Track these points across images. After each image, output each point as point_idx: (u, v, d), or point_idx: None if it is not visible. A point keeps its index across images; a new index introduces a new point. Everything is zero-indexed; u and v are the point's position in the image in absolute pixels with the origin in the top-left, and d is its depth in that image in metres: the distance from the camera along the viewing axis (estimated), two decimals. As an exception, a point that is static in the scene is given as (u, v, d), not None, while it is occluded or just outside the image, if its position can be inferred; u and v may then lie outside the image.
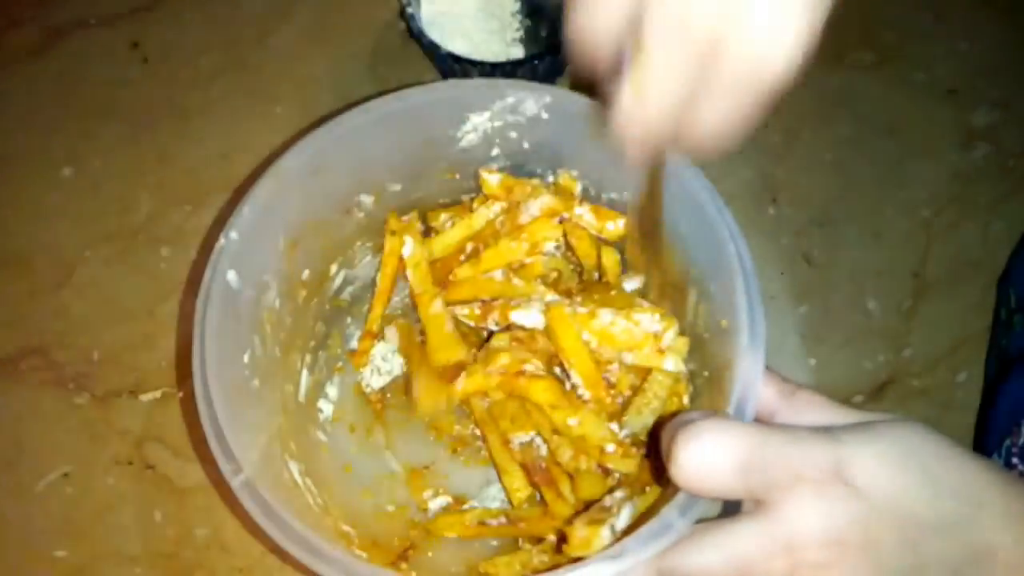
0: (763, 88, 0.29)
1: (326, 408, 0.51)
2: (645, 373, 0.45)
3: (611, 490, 0.43)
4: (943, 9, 0.66)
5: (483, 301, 0.48)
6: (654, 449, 0.41)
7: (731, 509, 0.34)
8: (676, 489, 0.34)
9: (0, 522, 0.53)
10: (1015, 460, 0.45)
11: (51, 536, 0.52)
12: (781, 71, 0.28)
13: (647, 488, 0.42)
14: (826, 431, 0.33)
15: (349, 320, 0.53)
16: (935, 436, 0.33)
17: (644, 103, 0.30)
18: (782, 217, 0.60)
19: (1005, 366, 0.52)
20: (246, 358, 0.43)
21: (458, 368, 0.47)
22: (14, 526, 0.53)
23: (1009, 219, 0.60)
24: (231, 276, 0.41)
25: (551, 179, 0.50)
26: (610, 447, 0.43)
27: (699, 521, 0.34)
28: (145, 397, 0.55)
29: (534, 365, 0.45)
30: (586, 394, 0.44)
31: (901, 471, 0.32)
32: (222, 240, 0.41)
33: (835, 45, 0.65)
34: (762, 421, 0.37)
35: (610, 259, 0.50)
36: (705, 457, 0.32)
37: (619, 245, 0.50)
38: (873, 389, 0.56)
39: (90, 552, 0.52)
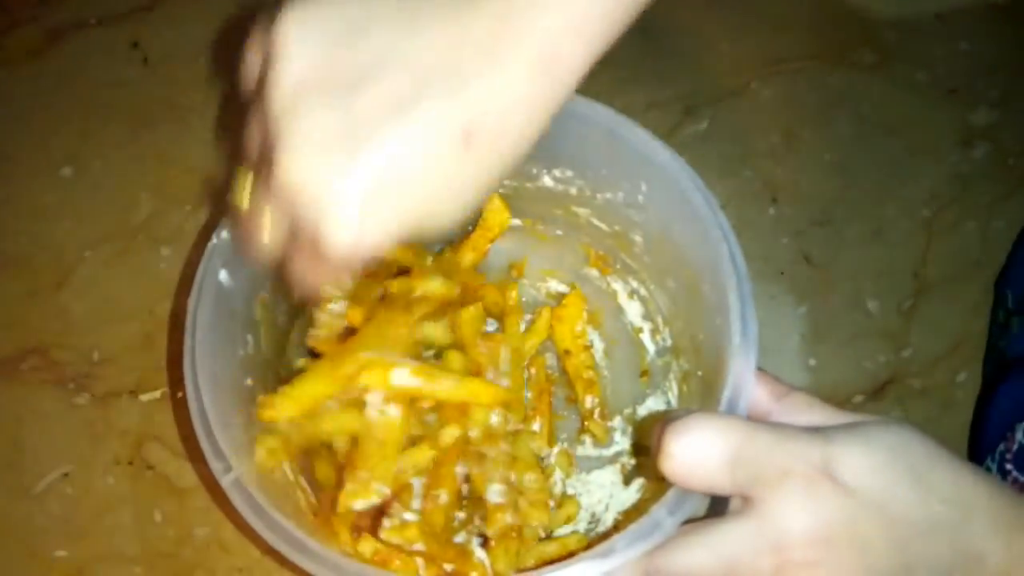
0: (330, 257, 0.31)
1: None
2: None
3: None
4: (943, 9, 0.66)
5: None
6: (644, 445, 0.41)
7: (718, 508, 0.34)
8: (666, 487, 0.34)
9: (0, 522, 0.53)
10: (1009, 466, 0.45)
11: (51, 536, 0.52)
12: (340, 252, 0.30)
13: None
14: (816, 430, 0.33)
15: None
16: (926, 439, 0.33)
17: (255, 231, 0.33)
18: (782, 217, 0.60)
19: (1001, 369, 0.52)
20: (239, 357, 0.43)
21: None
22: (14, 526, 0.53)
23: (1009, 219, 0.60)
24: (223, 275, 0.41)
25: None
26: None
27: (688, 521, 0.34)
28: (145, 397, 0.55)
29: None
30: None
31: (890, 472, 0.32)
32: (214, 239, 0.41)
33: (835, 45, 0.66)
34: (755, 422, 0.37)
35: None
36: (694, 449, 0.32)
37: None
38: (873, 389, 0.56)
39: (90, 552, 0.52)
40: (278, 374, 0.47)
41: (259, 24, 0.32)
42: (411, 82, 0.29)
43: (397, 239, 0.31)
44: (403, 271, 0.46)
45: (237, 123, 0.35)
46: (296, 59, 0.30)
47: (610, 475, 0.50)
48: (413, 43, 0.29)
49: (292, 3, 0.30)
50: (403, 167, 0.29)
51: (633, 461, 0.50)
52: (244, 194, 0.34)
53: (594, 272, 0.54)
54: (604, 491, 0.50)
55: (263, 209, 0.32)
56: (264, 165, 0.31)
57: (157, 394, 0.55)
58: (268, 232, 0.33)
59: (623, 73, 0.63)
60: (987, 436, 0.49)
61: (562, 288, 0.54)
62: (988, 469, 0.47)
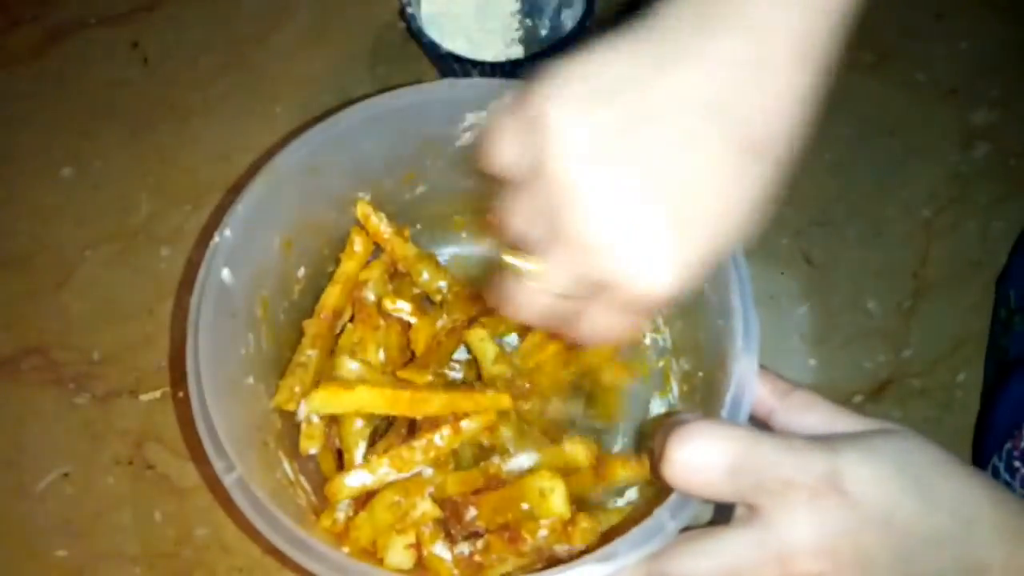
0: (640, 306, 0.32)
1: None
2: None
3: None
4: (943, 9, 0.66)
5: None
6: (646, 449, 0.41)
7: (723, 514, 0.34)
8: (670, 490, 0.34)
9: (0, 522, 0.53)
10: (1017, 463, 0.45)
11: (51, 536, 0.52)
12: (655, 298, 0.31)
13: None
14: (821, 440, 0.33)
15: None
16: (930, 447, 0.33)
17: (537, 291, 0.34)
18: (782, 217, 0.60)
19: (1005, 368, 0.52)
20: (241, 356, 0.43)
21: None
22: (14, 526, 0.53)
23: (1009, 219, 0.60)
24: (225, 274, 0.41)
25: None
26: None
27: (692, 527, 0.34)
28: (145, 397, 0.55)
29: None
30: None
31: (895, 483, 0.32)
32: (216, 238, 0.41)
33: (835, 45, 0.65)
34: (758, 421, 0.37)
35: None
36: (697, 457, 0.32)
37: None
38: (873, 389, 0.56)
39: (90, 552, 0.52)
40: (280, 374, 0.47)
41: (504, 113, 0.32)
42: (686, 116, 0.30)
43: (706, 266, 0.31)
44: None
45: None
46: (573, 131, 0.30)
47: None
48: (677, 82, 0.30)
49: (543, 84, 0.31)
50: (700, 201, 0.30)
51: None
52: (522, 264, 0.34)
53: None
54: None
55: (554, 284, 0.33)
56: (555, 241, 0.32)
57: (157, 394, 0.55)
58: (550, 299, 0.34)
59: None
60: (993, 434, 0.48)
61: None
62: (996, 467, 0.46)
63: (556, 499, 0.40)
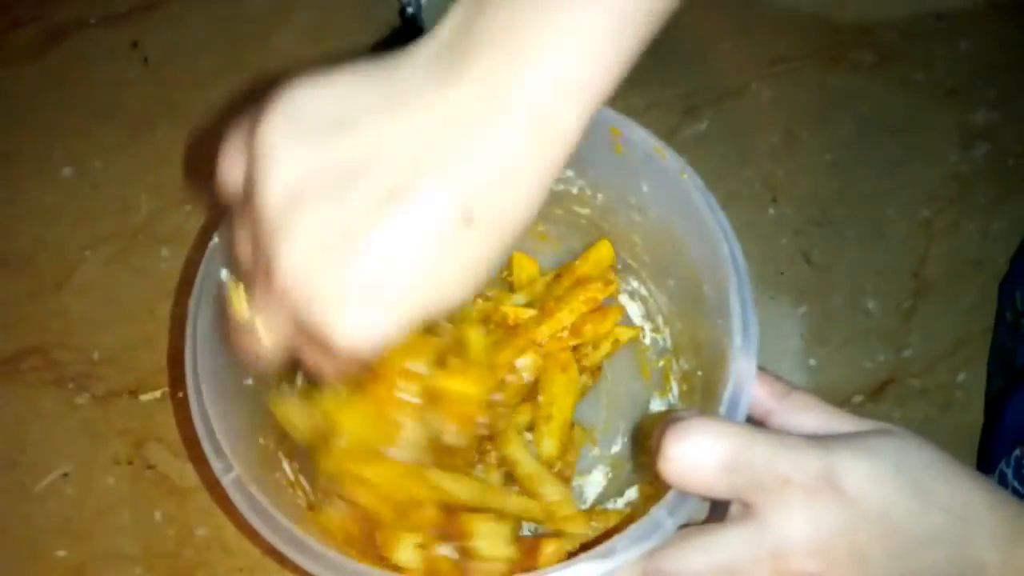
0: (339, 354, 0.30)
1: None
2: None
3: None
4: (943, 9, 0.66)
5: None
6: (643, 446, 0.41)
7: (717, 512, 0.34)
8: (666, 488, 0.34)
9: (0, 522, 0.53)
10: None
11: (51, 536, 0.52)
12: (349, 349, 0.30)
13: None
14: (818, 439, 0.33)
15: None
16: (928, 448, 0.33)
17: (255, 338, 0.33)
18: (782, 217, 0.60)
19: (1014, 372, 0.52)
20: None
21: None
22: (14, 526, 0.53)
23: (1009, 219, 0.60)
24: (224, 274, 0.41)
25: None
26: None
27: (688, 524, 0.34)
28: (145, 397, 0.55)
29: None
30: None
31: (892, 483, 0.32)
32: (215, 238, 0.41)
33: (835, 45, 0.66)
34: (756, 422, 0.37)
35: None
36: (693, 453, 0.32)
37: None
38: (873, 389, 0.56)
39: (90, 552, 0.52)
40: (279, 375, 0.47)
41: (233, 129, 0.31)
42: (401, 170, 0.28)
43: (406, 328, 0.30)
44: None
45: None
46: (283, 163, 0.28)
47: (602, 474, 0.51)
48: (401, 129, 0.28)
49: (270, 106, 0.29)
50: (402, 259, 0.29)
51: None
52: (241, 304, 0.34)
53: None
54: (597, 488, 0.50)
55: (262, 317, 0.32)
56: (260, 272, 0.31)
57: (157, 394, 0.55)
58: (270, 338, 0.32)
59: (623, 73, 0.63)
60: (1001, 440, 0.48)
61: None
62: (1003, 473, 0.46)
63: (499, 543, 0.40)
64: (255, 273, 0.32)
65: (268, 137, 0.29)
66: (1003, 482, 0.46)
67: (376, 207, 0.28)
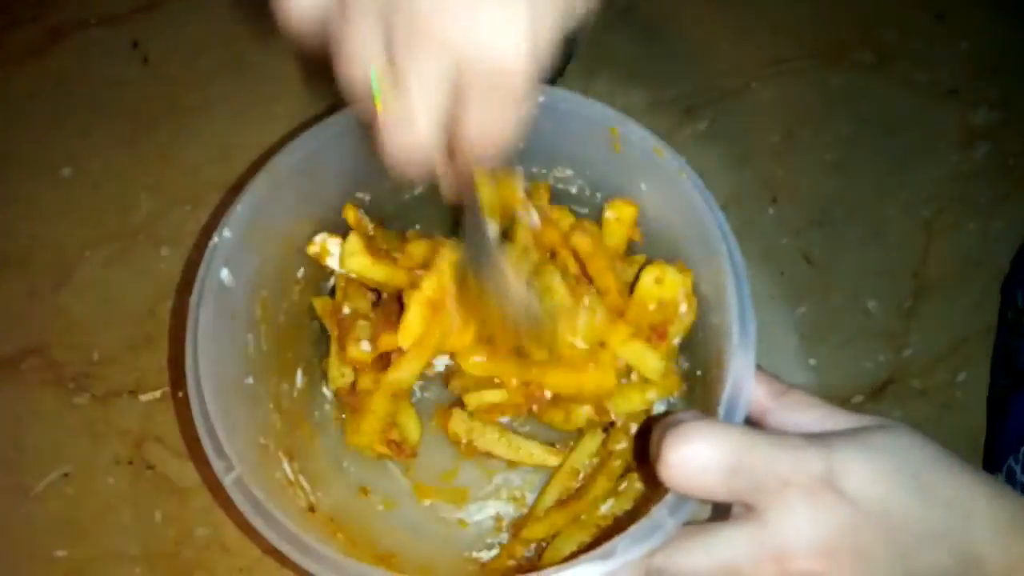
0: (509, 88, 0.30)
1: (321, 406, 0.51)
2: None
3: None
4: (943, 9, 0.66)
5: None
6: (644, 450, 0.41)
7: (720, 511, 0.34)
8: (666, 490, 0.34)
9: (0, 522, 0.53)
10: None
11: (51, 536, 0.52)
12: (516, 69, 0.30)
13: None
14: (817, 438, 0.33)
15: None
16: (928, 444, 0.33)
17: (409, 124, 0.31)
18: (782, 217, 0.60)
19: (1016, 372, 0.52)
20: (240, 356, 0.43)
21: None
22: (14, 526, 0.53)
23: (1009, 219, 0.60)
24: (224, 274, 0.41)
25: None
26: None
27: (690, 523, 0.34)
28: (145, 397, 0.55)
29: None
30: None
31: (892, 480, 0.32)
32: (215, 238, 0.41)
33: (835, 45, 0.66)
34: (754, 421, 0.37)
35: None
36: (692, 457, 0.32)
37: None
38: (873, 389, 0.56)
39: (90, 552, 0.52)
40: (279, 375, 0.47)
41: None
42: None
43: (553, 37, 0.30)
44: None
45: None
46: None
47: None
48: None
49: None
50: None
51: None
52: (386, 91, 0.32)
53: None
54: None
55: (417, 85, 0.31)
56: (400, 51, 0.30)
57: (157, 394, 0.55)
58: (429, 115, 0.31)
59: (623, 73, 0.63)
60: (1008, 437, 0.48)
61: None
62: (1012, 469, 0.47)
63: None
64: (395, 55, 0.31)
65: None
66: (1010, 478, 0.46)
67: None
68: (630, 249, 0.49)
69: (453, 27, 0.29)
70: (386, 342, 0.45)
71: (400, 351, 0.45)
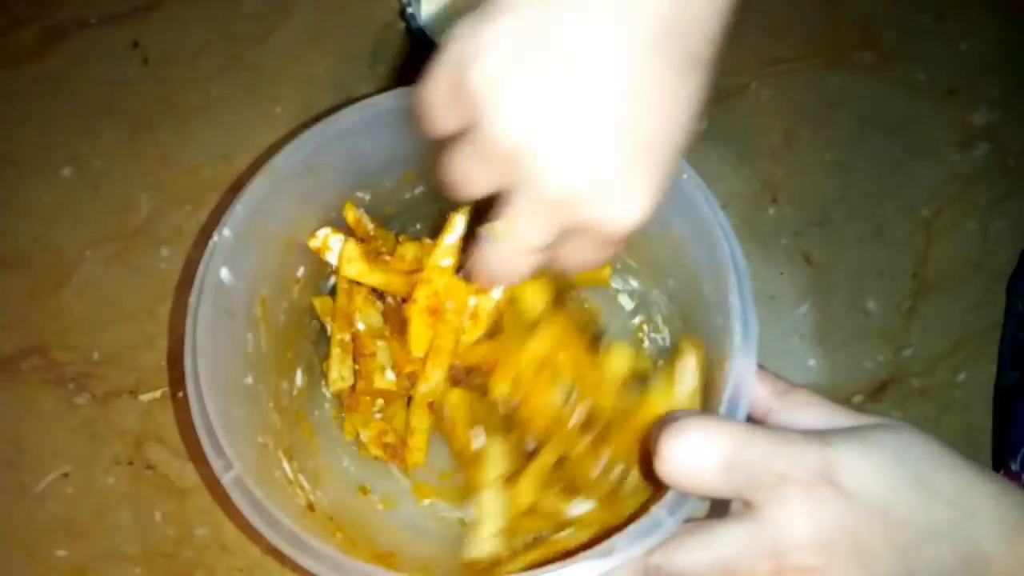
0: (618, 239, 0.33)
1: (320, 405, 0.51)
2: None
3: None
4: (943, 9, 0.66)
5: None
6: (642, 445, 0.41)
7: (719, 509, 0.34)
8: (665, 488, 0.34)
9: (0, 522, 0.53)
10: None
11: (51, 536, 0.52)
12: (633, 227, 0.32)
13: None
14: (815, 434, 0.33)
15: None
16: (929, 442, 0.33)
17: (509, 248, 0.34)
18: (782, 217, 0.60)
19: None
20: (239, 355, 0.43)
21: None
22: (14, 526, 0.53)
23: (1009, 219, 0.60)
24: (224, 273, 0.41)
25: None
26: None
27: (688, 520, 0.34)
28: (145, 397, 0.55)
29: None
30: None
31: (891, 475, 0.32)
32: (215, 238, 0.41)
33: (835, 45, 0.66)
34: (756, 421, 0.37)
35: None
36: (690, 453, 0.32)
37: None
38: (873, 389, 0.56)
39: (90, 552, 0.52)
40: (279, 374, 0.47)
41: (431, 81, 0.33)
42: (598, 30, 0.29)
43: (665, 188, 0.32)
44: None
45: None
46: (510, 96, 0.30)
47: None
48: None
49: (462, 25, 0.31)
50: (648, 123, 0.30)
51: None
52: (502, 234, 0.34)
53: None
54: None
55: (530, 233, 0.33)
56: (515, 198, 0.32)
57: (157, 394, 0.55)
58: (532, 256, 0.34)
59: (623, 73, 0.63)
60: (1012, 437, 0.48)
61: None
62: (1014, 471, 0.46)
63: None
64: (509, 198, 0.32)
65: (485, 77, 0.30)
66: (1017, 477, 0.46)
67: (603, 74, 0.29)
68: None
69: (580, 199, 0.30)
70: (408, 364, 0.46)
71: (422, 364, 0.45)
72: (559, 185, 0.30)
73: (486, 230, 0.34)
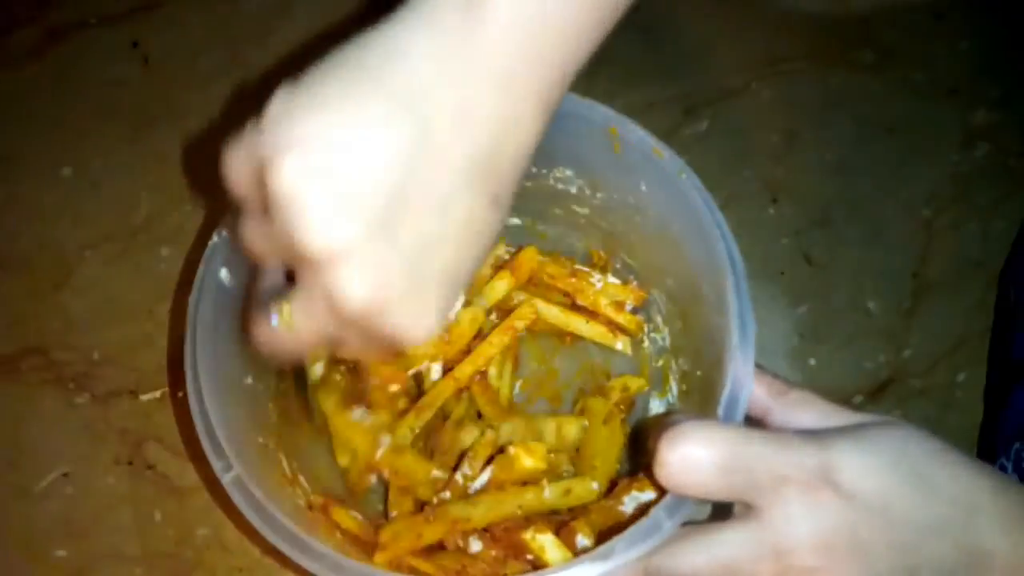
0: (399, 349, 0.33)
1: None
2: None
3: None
4: (943, 9, 0.66)
5: None
6: (641, 448, 0.41)
7: (721, 513, 0.34)
8: (664, 490, 0.34)
9: (0, 522, 0.53)
10: None
11: (51, 536, 0.52)
12: (416, 343, 0.32)
13: None
14: (814, 434, 0.33)
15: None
16: (929, 439, 0.33)
17: (290, 335, 0.34)
18: (782, 217, 0.60)
19: (1011, 365, 0.51)
20: (239, 355, 0.43)
21: None
22: (14, 526, 0.53)
23: (1009, 219, 0.60)
24: (223, 273, 0.41)
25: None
26: None
27: (689, 523, 0.34)
28: (145, 397, 0.55)
29: None
30: None
31: (891, 474, 0.32)
32: (215, 238, 0.41)
33: (835, 45, 0.66)
34: (755, 420, 0.37)
35: None
36: (688, 457, 0.32)
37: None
38: (873, 389, 0.56)
39: (90, 552, 0.52)
40: (278, 372, 0.47)
41: (235, 142, 0.32)
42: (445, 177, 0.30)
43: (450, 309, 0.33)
44: None
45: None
46: (312, 204, 0.29)
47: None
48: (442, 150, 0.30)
49: (271, 127, 0.30)
50: (445, 254, 0.31)
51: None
52: (288, 320, 0.34)
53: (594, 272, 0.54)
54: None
55: (306, 323, 0.33)
56: (312, 292, 0.32)
57: (157, 394, 0.55)
58: (306, 337, 0.34)
59: (623, 73, 0.63)
60: (1002, 434, 0.48)
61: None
62: (1003, 468, 0.46)
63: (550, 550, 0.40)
64: (308, 294, 0.32)
65: (288, 177, 0.29)
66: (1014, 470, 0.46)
67: (423, 211, 0.30)
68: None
69: (360, 310, 0.30)
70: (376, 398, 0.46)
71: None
72: (353, 299, 0.30)
73: (274, 307, 0.34)
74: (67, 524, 0.52)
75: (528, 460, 0.43)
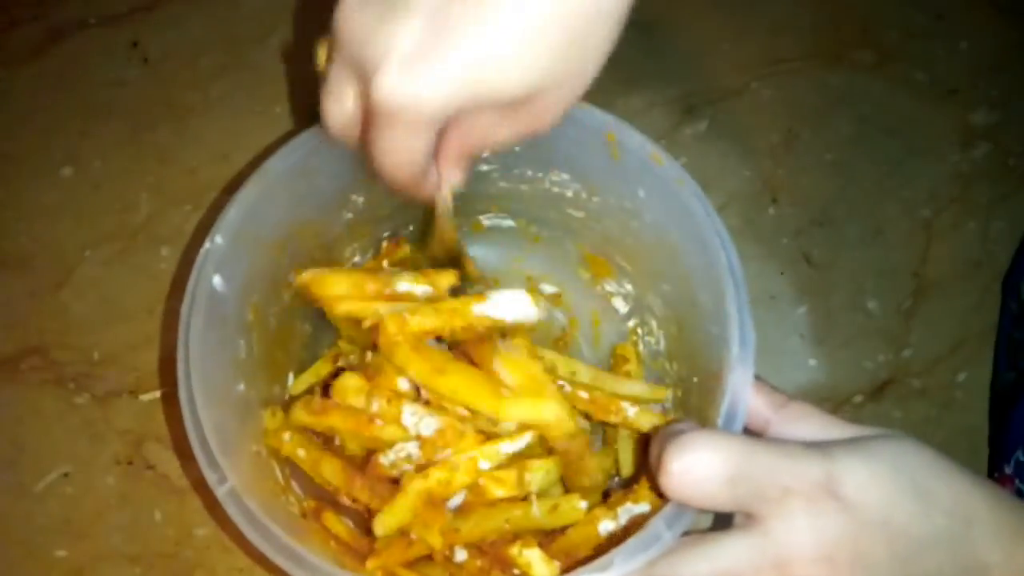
0: (403, 122, 0.33)
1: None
2: None
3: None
4: (943, 9, 0.66)
5: None
6: (645, 458, 0.41)
7: (723, 522, 0.34)
8: (666, 500, 0.34)
9: (0, 522, 0.53)
10: None
11: (51, 536, 0.52)
12: (408, 108, 0.32)
13: None
14: (817, 446, 0.33)
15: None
16: (927, 451, 0.33)
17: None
18: (782, 217, 0.60)
19: (1019, 370, 0.51)
20: (231, 362, 0.43)
21: None
22: (14, 526, 0.53)
23: (1009, 219, 0.60)
24: (216, 280, 0.41)
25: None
26: None
27: (690, 533, 0.34)
28: (145, 397, 0.55)
29: None
30: None
31: (892, 486, 0.32)
32: (207, 244, 0.41)
33: (835, 45, 0.66)
34: (754, 432, 0.37)
35: None
36: (694, 467, 0.32)
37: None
38: (873, 389, 0.56)
39: (90, 552, 0.52)
40: (270, 379, 0.47)
41: None
42: None
43: (455, 98, 0.32)
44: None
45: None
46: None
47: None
48: None
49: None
50: (464, 17, 0.30)
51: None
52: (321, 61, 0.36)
53: (587, 275, 0.54)
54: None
55: (334, 77, 0.35)
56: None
57: (157, 394, 0.55)
58: (339, 102, 0.35)
59: (623, 73, 0.63)
60: (1007, 443, 0.48)
61: (552, 290, 0.54)
62: (1008, 475, 0.46)
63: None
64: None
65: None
66: (1020, 472, 0.46)
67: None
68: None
69: (349, 33, 0.33)
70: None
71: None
72: (347, 26, 0.33)
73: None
74: (67, 524, 0.53)
75: (499, 491, 0.42)
